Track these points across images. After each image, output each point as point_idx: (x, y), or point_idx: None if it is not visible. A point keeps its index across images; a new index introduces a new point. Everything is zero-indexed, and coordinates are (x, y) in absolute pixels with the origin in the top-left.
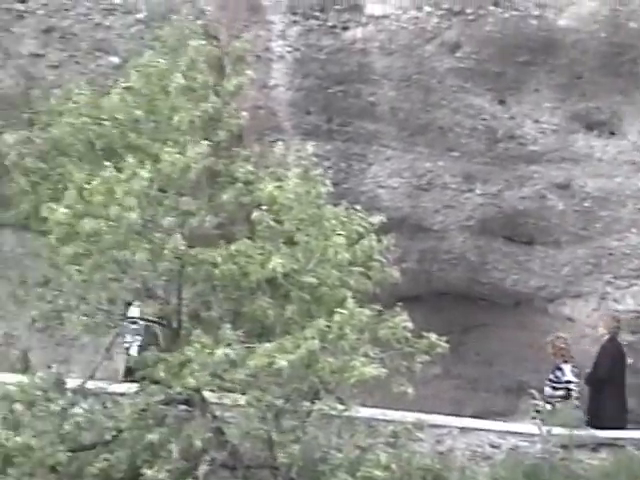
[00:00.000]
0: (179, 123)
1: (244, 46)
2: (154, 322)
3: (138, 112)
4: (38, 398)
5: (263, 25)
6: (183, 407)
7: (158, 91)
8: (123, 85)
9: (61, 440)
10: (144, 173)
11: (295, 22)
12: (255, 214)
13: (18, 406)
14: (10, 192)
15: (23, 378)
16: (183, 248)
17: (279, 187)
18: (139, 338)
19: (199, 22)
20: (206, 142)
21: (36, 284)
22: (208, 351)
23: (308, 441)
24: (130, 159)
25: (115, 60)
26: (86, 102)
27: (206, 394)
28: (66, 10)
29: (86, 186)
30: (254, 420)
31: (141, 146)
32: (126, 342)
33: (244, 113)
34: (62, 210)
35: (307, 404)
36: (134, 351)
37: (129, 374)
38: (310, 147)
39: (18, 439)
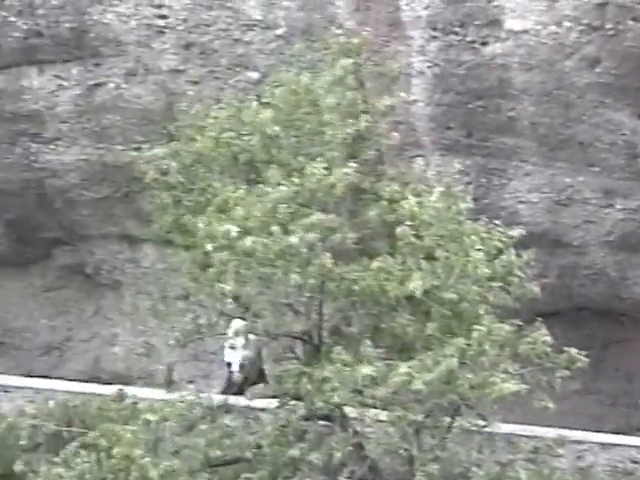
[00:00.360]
0: (331, 139)
1: (395, 67)
2: (296, 337)
3: (277, 128)
4: (187, 416)
5: (403, 41)
6: (323, 422)
7: (305, 106)
8: (264, 100)
9: (205, 459)
10: (291, 188)
11: (435, 37)
12: (399, 230)
13: (162, 425)
14: (150, 207)
15: (168, 394)
16: (330, 266)
17: (420, 203)
18: (240, 354)
19: (340, 39)
20: (355, 161)
21: (176, 299)
22: (349, 369)
23: (448, 457)
24: (273, 171)
25: (254, 75)
26: (229, 116)
27: (346, 409)
28: (206, 26)
29: (240, 201)
30: (394, 436)
31: (282, 161)
32: (228, 357)
33: (395, 133)
34: (224, 224)
35: (447, 420)
36: (236, 367)
37: (230, 388)
38: (456, 165)
39: (160, 471)
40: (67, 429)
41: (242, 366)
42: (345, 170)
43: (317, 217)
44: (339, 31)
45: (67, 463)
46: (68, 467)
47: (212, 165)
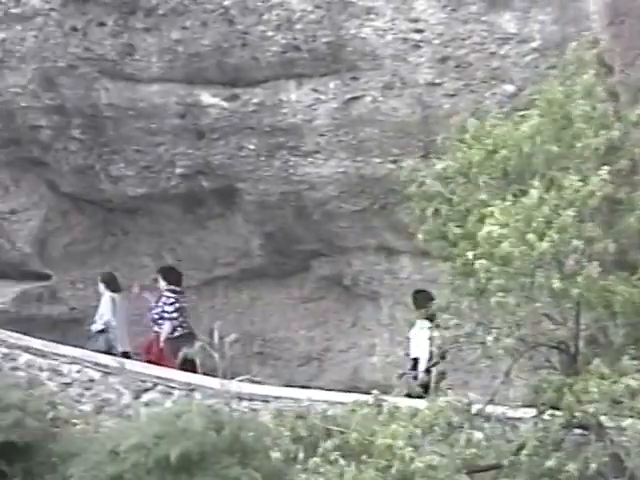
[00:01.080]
0: (583, 150)
1: None
2: (552, 347)
3: (547, 142)
4: (445, 421)
5: None
6: (579, 431)
7: (560, 118)
8: (525, 113)
9: (463, 463)
10: (552, 199)
11: None
12: None
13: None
14: (408, 219)
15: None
16: (596, 276)
17: None
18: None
19: (594, 51)
20: (607, 169)
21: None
22: (608, 382)
23: None
24: (536, 183)
25: (510, 89)
26: (503, 132)
27: (602, 418)
28: (462, 39)
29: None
30: None
31: (541, 173)
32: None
33: None
34: (486, 229)
35: None
36: (422, 366)
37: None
38: None
39: (424, 460)
40: (328, 427)
41: (428, 370)
42: (601, 178)
43: (567, 214)
44: (589, 43)
45: (326, 458)
46: (328, 462)
47: (477, 176)
